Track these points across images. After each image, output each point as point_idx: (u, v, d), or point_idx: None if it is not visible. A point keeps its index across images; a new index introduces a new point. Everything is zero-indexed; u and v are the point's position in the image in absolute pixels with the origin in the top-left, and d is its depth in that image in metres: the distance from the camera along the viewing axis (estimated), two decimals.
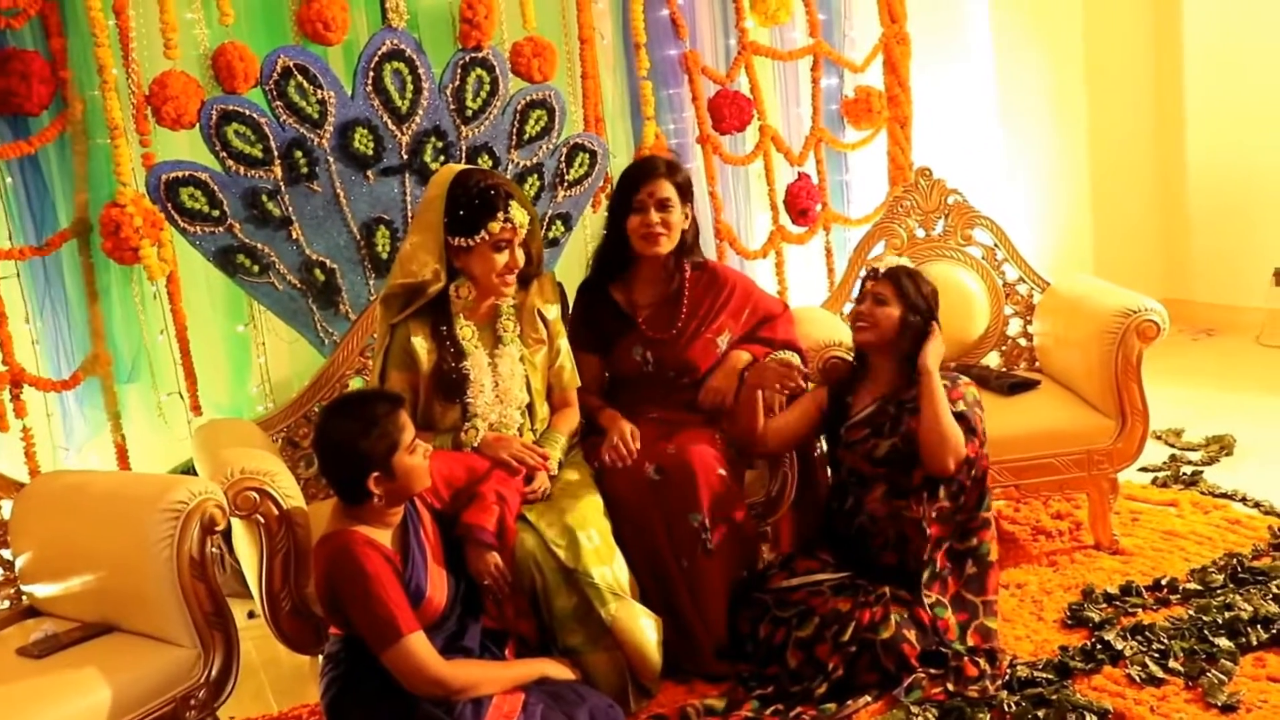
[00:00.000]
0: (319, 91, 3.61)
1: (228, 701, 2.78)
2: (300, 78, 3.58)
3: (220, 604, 2.72)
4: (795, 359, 3.29)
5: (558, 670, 2.76)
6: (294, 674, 3.41)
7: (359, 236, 3.74)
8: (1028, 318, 4.06)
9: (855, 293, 3.38)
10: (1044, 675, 2.87)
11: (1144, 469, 4.16)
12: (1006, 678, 2.88)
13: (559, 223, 4.10)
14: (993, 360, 4.11)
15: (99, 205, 3.46)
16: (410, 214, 3.75)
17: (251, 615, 3.49)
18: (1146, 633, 3.01)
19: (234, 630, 2.76)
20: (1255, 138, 5.84)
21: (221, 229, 3.55)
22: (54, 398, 3.56)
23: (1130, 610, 3.18)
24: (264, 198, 3.59)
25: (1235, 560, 3.35)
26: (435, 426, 3.05)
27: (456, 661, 2.62)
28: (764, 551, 3.38)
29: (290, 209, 3.63)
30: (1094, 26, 6.04)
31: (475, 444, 3.02)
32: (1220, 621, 3.00)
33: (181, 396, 3.68)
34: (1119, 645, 2.95)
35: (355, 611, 2.54)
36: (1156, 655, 2.90)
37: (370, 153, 3.71)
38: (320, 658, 2.84)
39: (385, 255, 3.77)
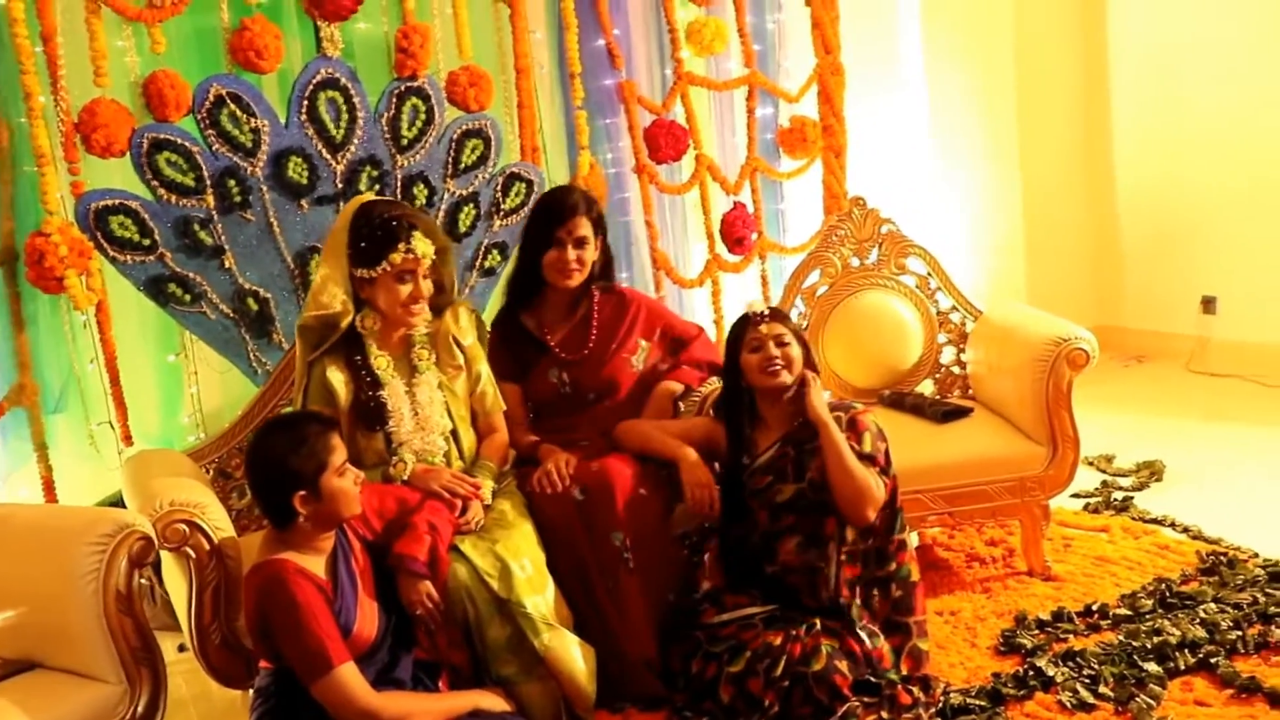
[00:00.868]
0: (252, 120, 3.59)
1: None
2: (233, 106, 3.55)
3: (147, 638, 2.67)
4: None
5: (491, 701, 2.74)
6: (226, 708, 3.35)
7: (293, 265, 3.72)
8: (961, 346, 4.10)
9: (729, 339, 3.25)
10: (977, 702, 2.90)
11: (1076, 495, 4.21)
12: (940, 705, 2.89)
13: (495, 252, 4.09)
14: (926, 388, 4.15)
15: (25, 234, 3.40)
16: None
17: (182, 649, 3.44)
18: (1078, 658, 3.04)
19: (161, 665, 2.71)
20: (1184, 169, 5.97)
21: (152, 258, 3.51)
22: None
23: (1062, 636, 3.21)
24: (196, 227, 3.55)
25: (1164, 585, 3.40)
26: (362, 461, 3.02)
27: (388, 693, 2.59)
28: (703, 582, 3.37)
29: (223, 238, 3.60)
30: (1025, 59, 6.14)
31: (405, 477, 3.01)
32: (1149, 646, 3.04)
33: (112, 427, 3.63)
34: (1050, 671, 2.98)
35: (285, 642, 2.51)
36: (1087, 681, 2.93)
37: (304, 181, 3.69)
38: (251, 691, 2.80)
39: None
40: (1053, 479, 3.59)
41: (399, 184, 3.86)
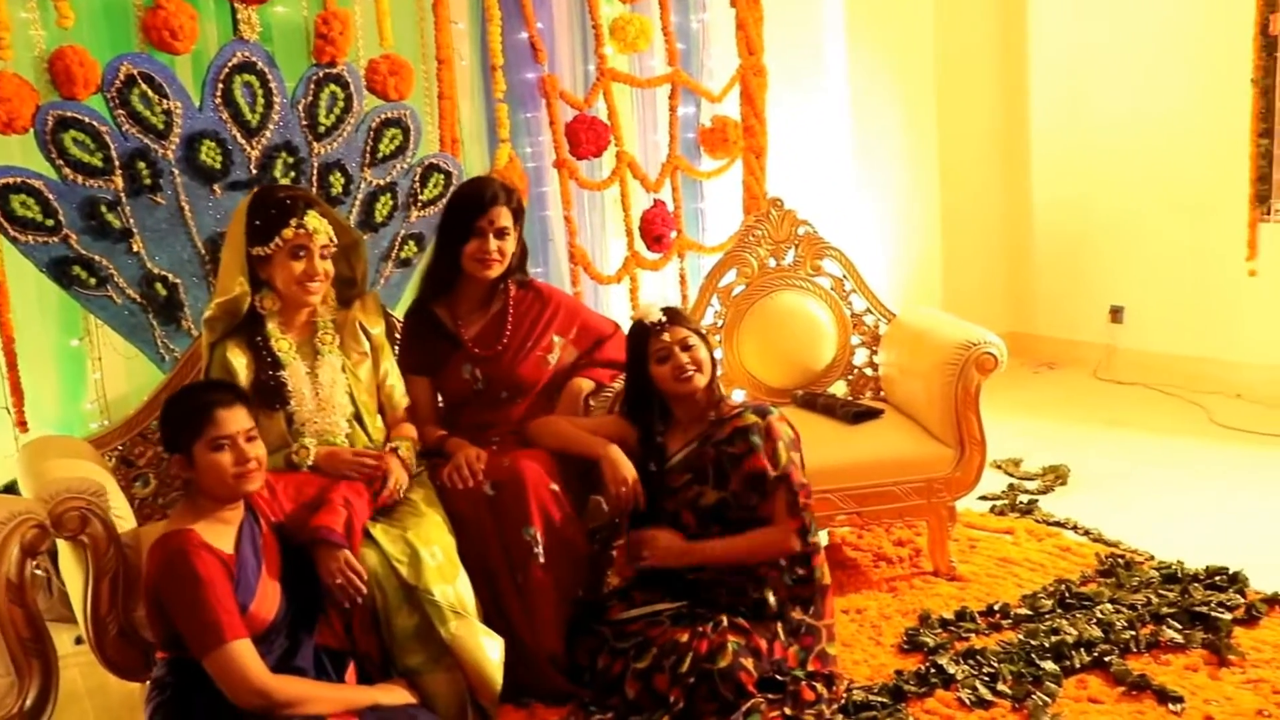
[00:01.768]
0: (165, 101, 3.52)
1: None
2: (145, 86, 3.48)
3: (39, 630, 2.62)
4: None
5: (394, 696, 2.70)
6: (123, 701, 3.26)
7: (204, 251, 3.65)
8: (874, 348, 4.15)
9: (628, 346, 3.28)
10: (879, 699, 2.93)
11: (983, 497, 4.28)
12: (843, 701, 2.92)
13: (411, 243, 4.05)
14: (839, 389, 4.19)
15: None
16: None
17: (79, 641, 3.35)
18: (978, 656, 3.09)
19: (53, 657, 2.65)
20: (1095, 184, 6.12)
21: (56, 239, 3.43)
22: None
23: (964, 635, 3.26)
24: (103, 208, 3.47)
25: (1064, 586, 3.47)
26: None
27: (284, 677, 2.54)
28: (610, 578, 3.38)
29: (131, 221, 3.52)
30: (946, 70, 6.23)
31: (309, 463, 2.98)
32: (1047, 645, 3.10)
33: (8, 411, 3.53)
34: (951, 669, 3.03)
35: (181, 613, 2.46)
36: (986, 678, 2.98)
37: (218, 166, 3.62)
38: (148, 683, 2.74)
39: None
40: (959, 481, 3.64)
41: (315, 172, 3.80)
